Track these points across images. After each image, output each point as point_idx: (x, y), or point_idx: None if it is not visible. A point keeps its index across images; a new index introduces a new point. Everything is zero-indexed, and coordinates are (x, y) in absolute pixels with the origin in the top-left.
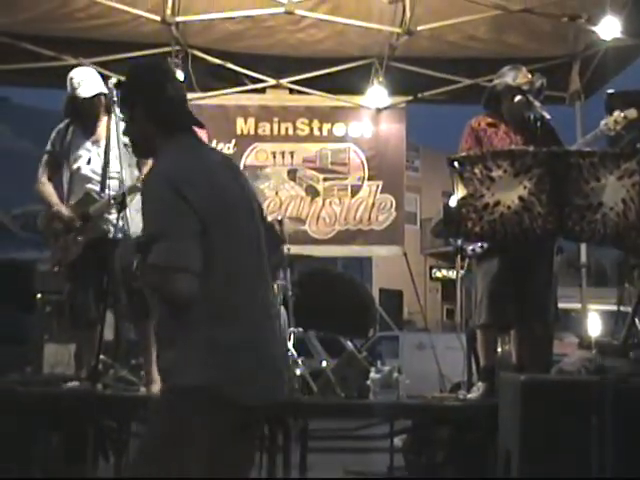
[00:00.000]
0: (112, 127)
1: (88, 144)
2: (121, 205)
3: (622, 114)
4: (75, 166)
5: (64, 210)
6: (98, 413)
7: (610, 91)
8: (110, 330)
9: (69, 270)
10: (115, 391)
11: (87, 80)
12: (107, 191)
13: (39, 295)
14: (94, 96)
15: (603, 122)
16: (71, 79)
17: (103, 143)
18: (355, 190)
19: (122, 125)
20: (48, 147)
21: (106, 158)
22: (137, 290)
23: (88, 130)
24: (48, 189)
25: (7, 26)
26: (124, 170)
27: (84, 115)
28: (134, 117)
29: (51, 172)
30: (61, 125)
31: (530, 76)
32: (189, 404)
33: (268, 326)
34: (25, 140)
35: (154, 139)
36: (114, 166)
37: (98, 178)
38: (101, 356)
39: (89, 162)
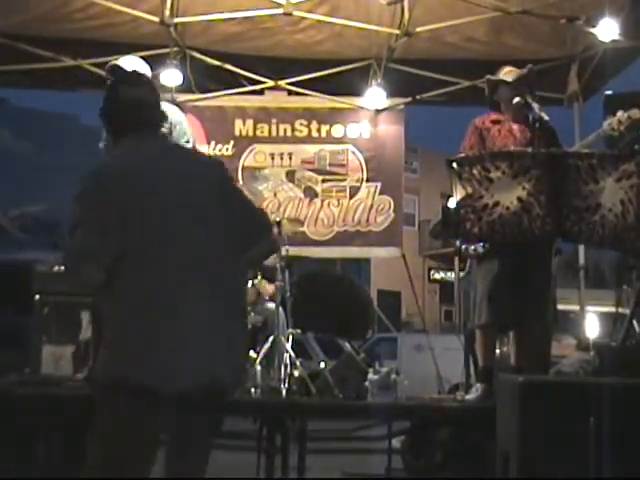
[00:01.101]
0: None
1: None
2: None
3: (626, 114)
4: None
5: None
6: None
7: (608, 92)
8: None
9: None
10: None
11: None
12: None
13: (37, 296)
14: None
15: (607, 122)
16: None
17: None
18: (354, 191)
19: None
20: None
21: None
22: None
23: None
24: None
25: (5, 27)
26: None
27: None
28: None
29: None
30: None
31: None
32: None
33: (190, 313)
34: (23, 141)
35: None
36: None
37: None
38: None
39: None
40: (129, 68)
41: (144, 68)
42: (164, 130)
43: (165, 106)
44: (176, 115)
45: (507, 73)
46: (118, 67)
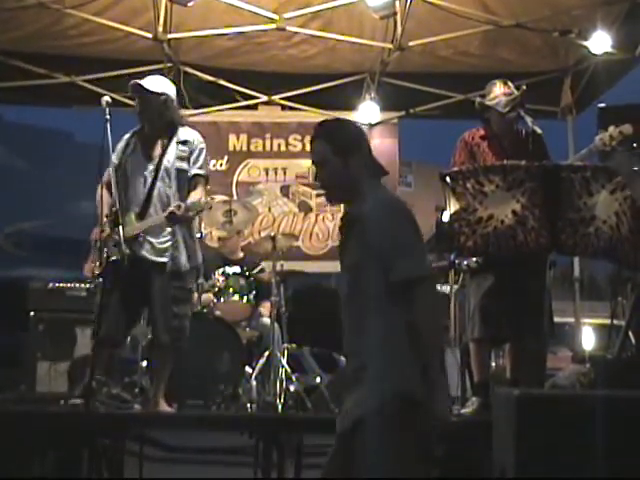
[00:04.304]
0: (172, 146)
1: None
2: (114, 223)
3: (617, 130)
4: (130, 182)
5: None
6: (92, 431)
7: (602, 105)
8: None
9: (102, 286)
10: (109, 409)
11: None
12: (150, 212)
13: (32, 313)
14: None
15: (598, 137)
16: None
17: (155, 163)
18: None
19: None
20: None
21: (154, 180)
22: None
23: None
24: (100, 200)
25: None
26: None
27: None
28: (349, 164)
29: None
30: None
31: (507, 88)
32: None
33: None
34: (18, 158)
35: (362, 184)
36: (160, 189)
37: (142, 199)
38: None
39: (145, 182)
40: (153, 87)
41: (170, 87)
42: (183, 154)
43: (188, 132)
44: (196, 141)
45: (499, 96)
46: (140, 85)
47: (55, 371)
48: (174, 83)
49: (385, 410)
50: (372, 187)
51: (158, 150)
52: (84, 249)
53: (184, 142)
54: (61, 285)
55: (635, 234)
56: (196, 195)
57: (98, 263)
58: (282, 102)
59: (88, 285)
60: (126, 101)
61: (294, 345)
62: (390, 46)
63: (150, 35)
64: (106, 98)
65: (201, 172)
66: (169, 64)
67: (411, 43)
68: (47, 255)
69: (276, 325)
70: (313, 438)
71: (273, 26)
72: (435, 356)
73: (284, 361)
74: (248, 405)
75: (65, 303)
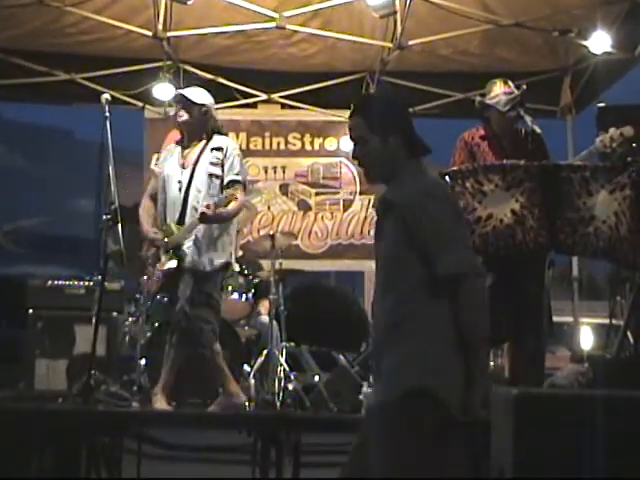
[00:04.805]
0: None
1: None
2: (113, 222)
3: (618, 131)
4: (167, 189)
5: (157, 239)
6: (90, 429)
7: (601, 105)
8: (102, 345)
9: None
10: (107, 407)
11: None
12: (186, 219)
13: (31, 311)
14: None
15: (599, 139)
16: None
17: (190, 169)
18: (347, 204)
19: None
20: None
21: (188, 186)
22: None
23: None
24: (142, 213)
25: None
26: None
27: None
28: (388, 143)
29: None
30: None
31: (507, 87)
32: None
33: None
34: (16, 156)
35: (401, 165)
36: (194, 194)
37: (179, 205)
38: (93, 371)
39: (180, 188)
40: (196, 98)
41: (210, 98)
42: (216, 160)
43: (222, 139)
44: (230, 148)
45: (499, 95)
46: (184, 96)
47: (54, 369)
48: (173, 81)
49: (397, 405)
50: (412, 168)
51: (193, 157)
52: (83, 247)
53: (218, 149)
54: (60, 283)
55: (634, 234)
56: (233, 204)
57: (155, 277)
58: (281, 100)
59: (87, 283)
60: (126, 99)
61: (293, 343)
62: (390, 45)
63: (150, 33)
64: (106, 96)
65: (238, 178)
66: (168, 62)
67: (411, 42)
68: (46, 252)
69: (275, 323)
70: (311, 437)
71: (273, 24)
72: (476, 357)
73: (282, 359)
74: (246, 403)
75: (64, 301)
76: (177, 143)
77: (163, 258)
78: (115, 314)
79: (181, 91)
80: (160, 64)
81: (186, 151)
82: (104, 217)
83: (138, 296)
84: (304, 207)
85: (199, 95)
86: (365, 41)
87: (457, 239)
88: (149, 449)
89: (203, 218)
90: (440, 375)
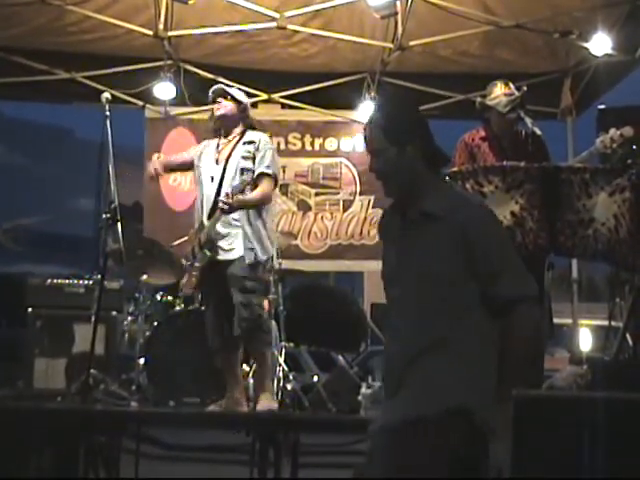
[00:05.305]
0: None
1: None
2: (113, 221)
3: (618, 132)
4: (202, 183)
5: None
6: (89, 428)
7: (601, 107)
8: (101, 344)
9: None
10: (106, 406)
11: None
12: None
13: (30, 309)
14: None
15: (599, 140)
16: None
17: (223, 164)
18: (347, 205)
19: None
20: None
21: (221, 180)
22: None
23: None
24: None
25: None
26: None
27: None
28: (405, 153)
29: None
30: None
31: (507, 89)
32: None
33: None
34: (17, 154)
35: (421, 177)
36: (226, 189)
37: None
38: (91, 370)
39: (213, 182)
40: (235, 93)
41: (246, 97)
42: (247, 154)
43: (256, 134)
44: (262, 142)
45: (500, 96)
46: (225, 91)
47: (53, 367)
48: (174, 80)
49: (440, 420)
50: (436, 180)
51: (227, 152)
52: (82, 245)
53: (250, 142)
54: (59, 281)
55: (633, 236)
56: (257, 190)
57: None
58: (282, 100)
59: (86, 281)
60: (126, 98)
61: (292, 344)
62: (390, 46)
63: (151, 32)
64: (106, 95)
65: (267, 171)
66: (169, 61)
67: (411, 43)
68: (46, 251)
69: (274, 323)
70: (310, 437)
71: (274, 24)
72: (515, 379)
73: (281, 360)
74: (245, 403)
75: (63, 299)
76: (214, 136)
77: (198, 255)
78: (114, 313)
79: (223, 86)
80: (161, 63)
81: (221, 146)
82: (104, 216)
83: (137, 295)
84: (304, 207)
85: (239, 92)
86: (366, 42)
87: (518, 260)
88: (147, 448)
89: (223, 209)
90: (483, 395)
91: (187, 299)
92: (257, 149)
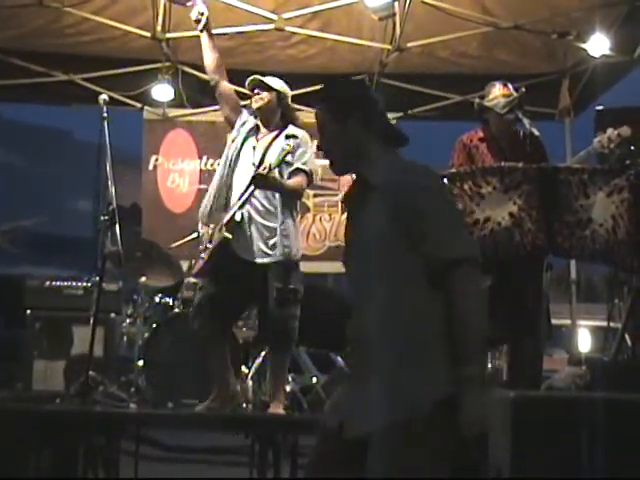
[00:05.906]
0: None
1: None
2: (111, 223)
3: (616, 132)
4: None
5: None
6: (88, 430)
7: (599, 107)
8: (100, 346)
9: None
10: (105, 408)
11: None
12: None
13: (29, 311)
14: None
15: (597, 140)
16: None
17: (261, 154)
18: None
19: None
20: None
21: (231, 174)
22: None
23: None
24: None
25: None
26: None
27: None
28: (347, 127)
29: None
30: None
31: (506, 90)
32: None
33: None
34: (16, 155)
35: (370, 149)
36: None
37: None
38: (90, 372)
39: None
40: (272, 83)
41: (286, 87)
42: (287, 147)
43: (297, 130)
44: (303, 139)
45: (498, 97)
46: (261, 80)
47: (51, 369)
48: (172, 82)
49: (401, 429)
50: (387, 153)
51: (267, 140)
52: (81, 247)
53: (292, 136)
54: (58, 283)
55: (631, 237)
56: (293, 179)
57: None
58: None
59: (85, 283)
60: (124, 100)
61: None
62: (389, 47)
63: (149, 34)
64: (103, 96)
65: (303, 167)
66: (167, 63)
67: (410, 44)
68: (44, 253)
69: None
70: (309, 438)
71: (272, 26)
72: (474, 355)
73: None
74: (244, 405)
75: (62, 301)
76: (251, 128)
77: (216, 235)
78: (113, 315)
79: (258, 76)
80: (159, 65)
81: (260, 134)
82: (102, 218)
83: (136, 297)
84: (302, 209)
85: (275, 81)
86: (364, 43)
87: (457, 222)
88: (147, 450)
89: (259, 178)
90: (443, 385)
91: (186, 301)
92: (299, 145)
